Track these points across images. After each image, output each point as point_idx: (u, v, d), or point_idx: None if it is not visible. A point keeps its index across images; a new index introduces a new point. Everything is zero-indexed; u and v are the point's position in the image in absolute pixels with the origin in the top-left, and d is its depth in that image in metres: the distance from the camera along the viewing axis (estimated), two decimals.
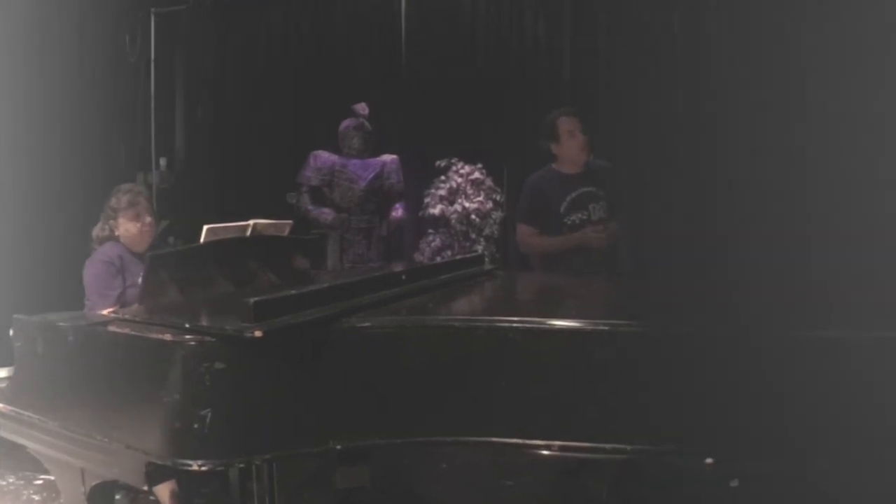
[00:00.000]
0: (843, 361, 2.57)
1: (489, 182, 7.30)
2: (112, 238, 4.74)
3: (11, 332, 3.31)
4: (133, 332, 2.84)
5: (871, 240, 5.55)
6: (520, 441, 2.70)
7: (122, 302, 4.45)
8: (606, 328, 2.75)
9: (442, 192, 7.22)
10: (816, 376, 2.57)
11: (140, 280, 3.71)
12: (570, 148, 5.26)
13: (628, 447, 2.64)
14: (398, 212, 7.49)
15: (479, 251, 6.66)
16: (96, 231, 4.78)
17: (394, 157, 7.51)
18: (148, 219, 4.77)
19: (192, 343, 2.61)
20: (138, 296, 3.56)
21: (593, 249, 5.05)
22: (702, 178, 6.78)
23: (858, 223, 5.75)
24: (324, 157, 7.39)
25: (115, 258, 4.64)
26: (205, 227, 3.91)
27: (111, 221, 4.75)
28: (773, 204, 6.37)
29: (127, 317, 3.15)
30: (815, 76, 6.40)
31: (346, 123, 7.42)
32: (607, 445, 2.65)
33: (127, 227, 4.71)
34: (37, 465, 3.80)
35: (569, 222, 5.16)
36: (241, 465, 3.19)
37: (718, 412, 2.61)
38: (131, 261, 4.66)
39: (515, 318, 2.77)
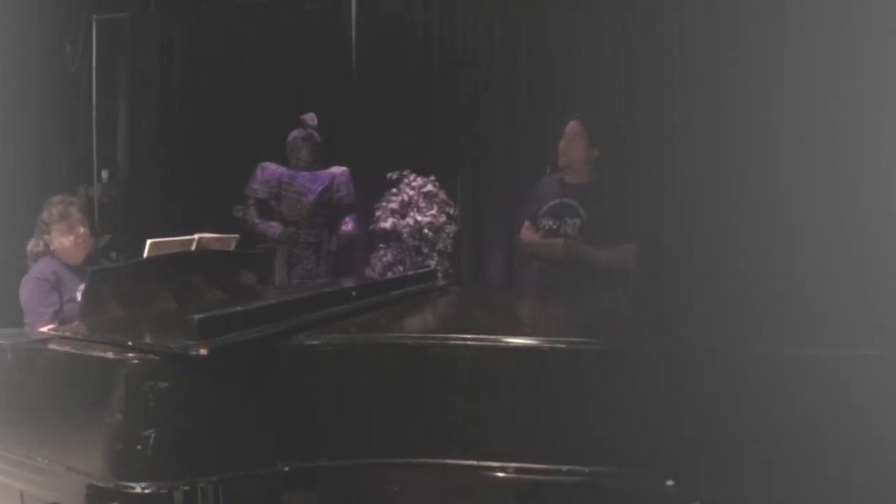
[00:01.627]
0: (808, 380, 2.59)
1: (442, 195, 7.30)
2: (47, 253, 4.72)
3: None
4: (74, 351, 2.82)
5: (863, 253, 5.59)
6: (474, 463, 2.70)
7: (60, 318, 4.43)
8: (563, 346, 2.75)
9: (393, 206, 7.21)
10: (781, 396, 2.58)
11: (79, 295, 3.69)
12: (560, 152, 5.28)
13: (586, 469, 2.65)
14: (348, 226, 7.48)
15: (432, 266, 6.65)
16: (30, 246, 4.77)
17: (343, 169, 7.49)
18: (81, 230, 4.76)
19: (135, 361, 2.60)
20: (79, 312, 3.54)
21: (571, 263, 5.05)
22: (671, 187, 6.82)
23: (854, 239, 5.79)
24: (271, 169, 7.36)
25: (50, 274, 4.62)
26: (148, 242, 3.89)
27: (45, 236, 4.74)
28: (761, 220, 6.41)
29: (68, 334, 3.12)
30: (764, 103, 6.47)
31: (294, 134, 7.40)
32: (564, 467, 2.65)
33: (61, 241, 4.70)
34: None
35: (540, 225, 5.19)
36: (186, 488, 3.16)
37: (679, 433, 2.62)
38: (68, 275, 4.65)
39: (469, 336, 2.76)
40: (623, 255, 5.04)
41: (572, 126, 5.25)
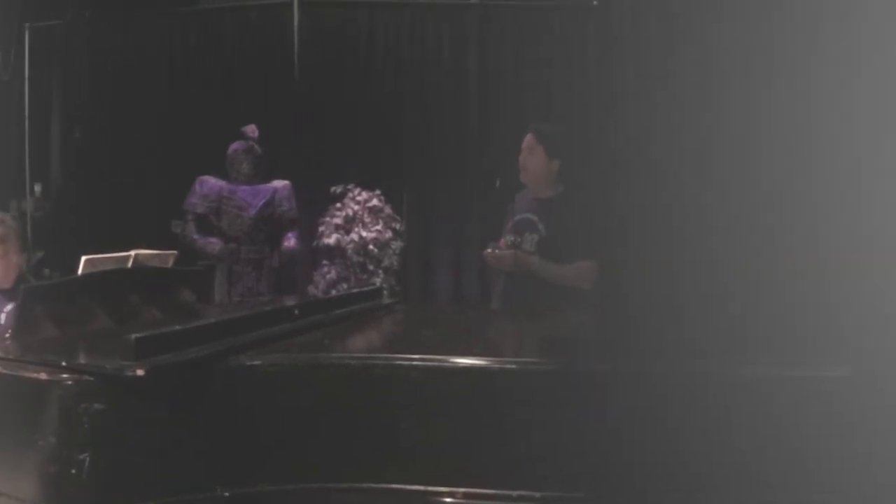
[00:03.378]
0: (774, 401, 2.60)
1: (388, 210, 7.33)
2: None
3: None
4: (5, 371, 2.79)
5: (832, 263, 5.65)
6: (421, 488, 2.69)
7: None
8: (514, 366, 2.75)
9: (337, 221, 7.23)
10: (744, 417, 2.59)
11: (4, 316, 3.66)
12: (520, 166, 5.27)
13: (537, 494, 2.64)
14: (290, 242, 7.45)
15: (378, 284, 6.67)
16: None
17: (286, 182, 7.47)
18: (14, 259, 4.70)
19: (69, 382, 2.58)
20: (11, 332, 3.51)
21: (531, 281, 5.04)
22: (634, 197, 6.87)
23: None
24: (210, 182, 7.34)
25: None
26: (83, 258, 3.87)
27: None
28: (727, 231, 6.47)
29: None
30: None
31: (234, 147, 7.38)
32: (514, 493, 2.65)
33: None
34: None
35: (505, 240, 5.18)
36: None
37: (635, 456, 2.62)
38: None
39: (416, 356, 2.75)
40: (579, 272, 5.04)
41: (528, 139, 5.23)
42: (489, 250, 5.19)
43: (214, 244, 7.24)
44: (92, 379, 2.59)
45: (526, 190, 5.30)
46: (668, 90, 6.90)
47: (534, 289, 5.02)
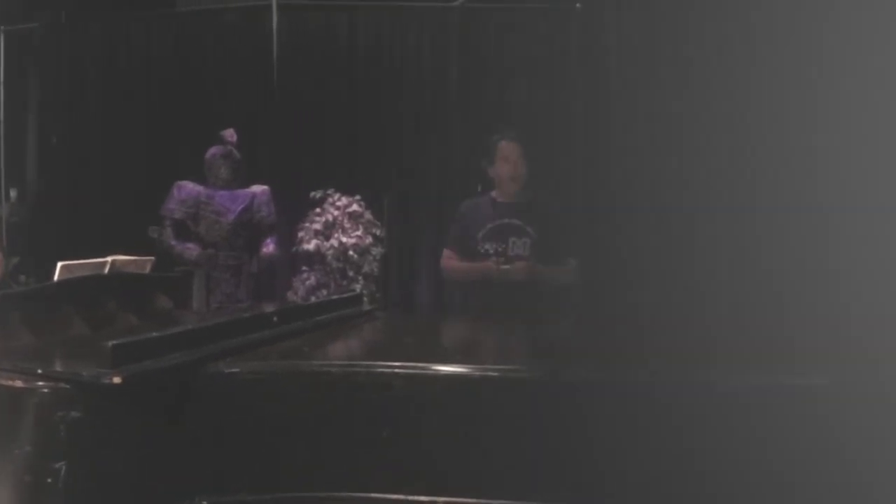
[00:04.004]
0: (751, 411, 2.60)
1: (368, 215, 7.32)
2: None
3: None
4: None
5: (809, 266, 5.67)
6: (402, 497, 2.68)
7: None
8: (496, 374, 2.75)
9: (317, 227, 7.22)
10: (720, 428, 2.59)
11: None
12: (502, 174, 5.26)
13: (520, 503, 2.65)
14: (269, 247, 7.43)
15: (358, 290, 6.65)
16: None
17: (264, 187, 7.46)
18: None
19: (45, 390, 2.57)
20: None
21: (515, 285, 5.04)
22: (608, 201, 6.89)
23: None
24: (188, 187, 7.31)
25: None
26: (59, 265, 3.86)
27: None
28: (702, 234, 6.48)
29: None
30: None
31: (212, 151, 7.36)
32: (496, 501, 2.64)
33: None
34: None
35: (482, 251, 5.15)
36: None
37: (615, 465, 2.62)
38: None
39: (398, 364, 2.74)
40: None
41: (515, 148, 5.26)
42: (497, 265, 5.13)
43: (192, 250, 7.22)
44: (68, 386, 2.58)
45: (478, 198, 5.33)
46: (650, 93, 6.92)
47: (502, 299, 5.03)
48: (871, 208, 5.46)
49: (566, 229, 5.20)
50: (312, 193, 7.30)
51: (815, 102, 6.03)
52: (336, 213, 7.22)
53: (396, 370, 2.73)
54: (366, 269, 7.24)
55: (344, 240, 7.14)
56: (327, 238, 7.18)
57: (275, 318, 3.60)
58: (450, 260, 5.35)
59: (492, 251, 5.11)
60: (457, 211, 5.47)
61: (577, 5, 7.57)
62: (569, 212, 5.32)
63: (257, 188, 7.43)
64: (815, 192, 5.93)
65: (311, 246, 7.16)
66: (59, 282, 3.83)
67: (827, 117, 5.86)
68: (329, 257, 7.14)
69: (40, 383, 2.60)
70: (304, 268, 7.33)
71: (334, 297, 5.51)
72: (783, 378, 2.71)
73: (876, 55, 5.55)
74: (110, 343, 2.60)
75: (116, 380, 2.52)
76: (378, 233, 7.35)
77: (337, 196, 7.27)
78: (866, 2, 5.62)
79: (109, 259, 4.14)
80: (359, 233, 7.20)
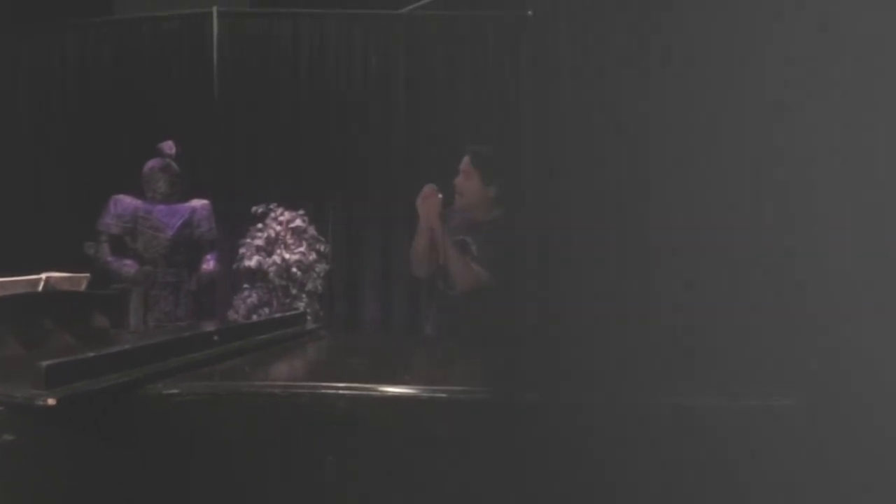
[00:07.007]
0: (711, 433, 2.62)
1: (312, 230, 7.32)
2: None
3: None
4: None
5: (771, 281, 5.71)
6: None
7: None
8: (444, 395, 2.76)
9: (259, 242, 7.21)
10: (682, 449, 2.61)
11: None
12: (456, 190, 5.28)
13: None
14: (209, 264, 7.43)
15: (301, 309, 6.65)
16: None
17: (204, 202, 7.46)
18: None
19: None
20: None
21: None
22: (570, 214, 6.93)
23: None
24: (125, 202, 7.29)
25: None
26: None
27: None
28: (665, 249, 6.52)
29: None
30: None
31: (150, 164, 7.35)
32: None
33: None
34: None
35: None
36: None
37: (570, 488, 2.64)
38: None
39: (342, 385, 2.75)
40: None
41: (465, 163, 5.25)
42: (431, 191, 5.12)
43: (129, 267, 7.20)
44: (1, 409, 2.58)
45: (461, 214, 5.33)
46: (604, 103, 6.96)
47: (468, 315, 5.04)
48: (859, 213, 5.53)
49: (514, 253, 5.19)
50: (254, 208, 7.29)
51: (787, 114, 6.10)
52: (278, 228, 7.21)
53: (341, 391, 2.73)
54: (309, 286, 7.22)
55: (287, 256, 7.13)
56: (269, 254, 7.17)
57: (215, 338, 3.60)
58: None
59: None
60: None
61: (529, 13, 7.60)
62: (521, 235, 5.32)
63: (197, 202, 7.42)
64: (785, 212, 5.99)
65: (252, 262, 7.14)
66: None
67: (799, 132, 5.93)
68: (271, 274, 7.13)
69: None
70: (245, 285, 7.31)
71: (276, 315, 5.50)
72: (750, 399, 2.74)
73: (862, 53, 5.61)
74: (44, 363, 2.60)
75: (51, 402, 2.52)
76: (322, 249, 7.34)
77: (279, 211, 7.26)
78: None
79: (43, 276, 4.12)
80: (302, 249, 7.20)
